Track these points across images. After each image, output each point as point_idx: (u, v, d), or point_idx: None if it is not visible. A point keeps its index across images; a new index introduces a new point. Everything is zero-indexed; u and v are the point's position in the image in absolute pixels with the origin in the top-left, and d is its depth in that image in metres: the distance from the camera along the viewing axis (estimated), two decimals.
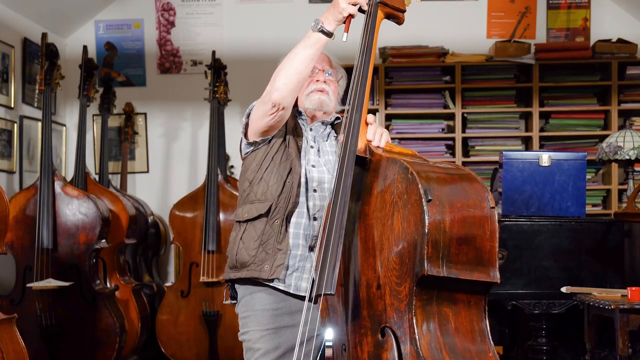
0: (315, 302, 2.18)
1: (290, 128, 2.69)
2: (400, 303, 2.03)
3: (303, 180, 2.61)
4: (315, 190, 2.61)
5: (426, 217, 1.98)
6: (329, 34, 2.41)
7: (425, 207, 1.99)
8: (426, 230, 1.98)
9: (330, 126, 2.78)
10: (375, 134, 2.33)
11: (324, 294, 2.08)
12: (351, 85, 2.36)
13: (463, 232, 2.06)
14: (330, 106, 2.73)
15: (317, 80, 2.71)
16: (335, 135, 2.76)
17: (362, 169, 2.24)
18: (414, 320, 2.00)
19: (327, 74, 2.73)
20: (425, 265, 1.97)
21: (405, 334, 2.01)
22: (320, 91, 2.71)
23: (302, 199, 2.60)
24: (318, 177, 2.64)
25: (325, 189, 2.62)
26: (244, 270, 2.59)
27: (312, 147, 2.69)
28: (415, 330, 1.99)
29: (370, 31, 2.34)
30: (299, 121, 2.75)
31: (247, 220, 2.62)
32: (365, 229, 2.14)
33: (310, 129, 2.73)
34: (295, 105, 2.73)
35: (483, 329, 2.14)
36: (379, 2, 2.35)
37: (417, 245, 1.99)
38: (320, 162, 2.68)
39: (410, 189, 2.03)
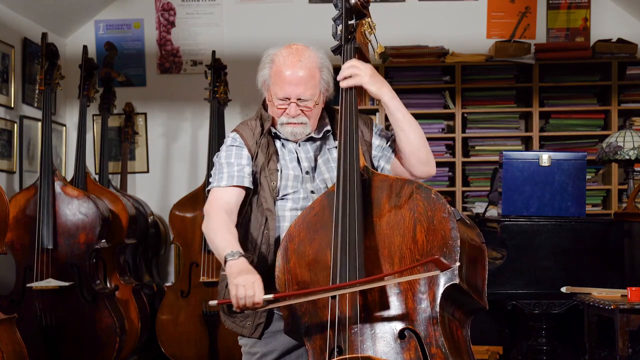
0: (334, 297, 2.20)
1: (263, 162, 2.53)
2: (424, 308, 2.18)
3: (298, 210, 2.51)
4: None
5: (458, 234, 2.18)
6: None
7: (455, 225, 2.19)
8: (459, 245, 2.17)
9: (325, 138, 2.60)
10: None
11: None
12: (340, 129, 2.40)
13: (473, 255, 2.29)
14: (306, 132, 2.53)
15: (287, 114, 2.48)
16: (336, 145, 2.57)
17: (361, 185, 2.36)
18: (439, 325, 2.16)
19: (301, 101, 2.47)
20: (456, 275, 2.16)
21: (430, 336, 2.16)
22: (293, 124, 2.49)
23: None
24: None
25: None
26: (230, 320, 2.59)
27: (307, 173, 2.55)
28: (441, 334, 2.15)
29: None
30: (279, 143, 2.57)
31: None
32: (377, 238, 2.26)
33: (299, 145, 2.57)
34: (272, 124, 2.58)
35: (470, 353, 2.30)
36: (357, 47, 2.45)
37: (446, 257, 2.15)
38: (320, 186, 2.55)
39: (435, 207, 2.22)
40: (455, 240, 2.18)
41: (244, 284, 2.22)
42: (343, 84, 2.39)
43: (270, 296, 2.21)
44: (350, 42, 2.45)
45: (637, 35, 5.72)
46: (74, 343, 4.51)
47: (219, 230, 2.42)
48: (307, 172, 2.56)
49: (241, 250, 2.35)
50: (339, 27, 2.47)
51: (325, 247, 2.30)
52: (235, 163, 2.53)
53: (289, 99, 2.47)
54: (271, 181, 2.51)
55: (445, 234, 2.19)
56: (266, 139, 2.56)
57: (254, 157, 2.54)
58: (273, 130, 2.58)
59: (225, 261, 2.32)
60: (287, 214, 2.53)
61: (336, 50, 2.49)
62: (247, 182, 2.52)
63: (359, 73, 2.40)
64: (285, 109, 2.48)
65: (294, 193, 2.54)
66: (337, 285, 2.18)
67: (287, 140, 2.57)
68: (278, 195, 2.52)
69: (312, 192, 2.55)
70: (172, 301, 5.12)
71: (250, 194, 2.56)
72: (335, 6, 2.48)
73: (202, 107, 5.74)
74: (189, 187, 5.83)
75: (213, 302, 2.30)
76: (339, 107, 2.45)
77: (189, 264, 5.13)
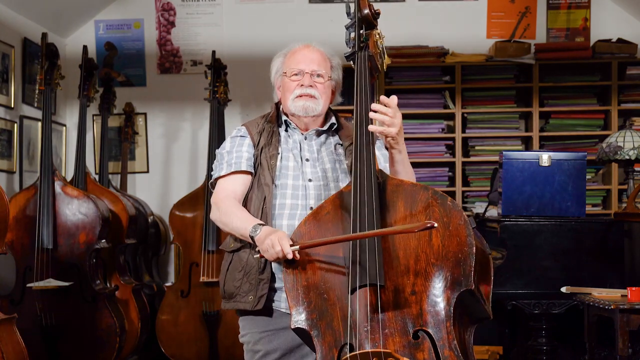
0: (352, 293, 2.24)
1: (264, 144, 2.65)
2: (439, 310, 2.21)
3: (297, 201, 2.58)
4: (312, 208, 2.55)
5: (473, 241, 2.24)
6: (254, 248, 2.48)
7: (471, 232, 2.25)
8: (474, 252, 2.23)
9: (329, 133, 2.72)
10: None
11: (377, 285, 2.21)
12: (355, 130, 2.42)
13: (483, 264, 2.36)
14: (317, 110, 2.65)
15: (301, 85, 2.64)
16: (340, 142, 2.70)
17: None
18: (452, 328, 2.19)
19: (315, 77, 2.65)
20: (471, 280, 2.21)
21: (443, 339, 2.19)
22: (306, 96, 2.63)
23: (290, 221, 2.56)
24: (315, 193, 2.59)
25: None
26: (232, 301, 2.63)
27: (307, 160, 2.65)
28: (454, 337, 2.18)
29: (364, 85, 2.47)
30: (285, 133, 2.69)
31: (232, 251, 2.64)
32: (393, 240, 2.30)
33: (305, 138, 2.69)
34: (279, 113, 2.72)
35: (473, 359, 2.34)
36: (370, 55, 2.49)
37: (461, 262, 2.22)
38: (319, 175, 2.63)
39: (451, 214, 2.27)
40: (471, 247, 2.23)
41: (271, 244, 2.34)
42: (371, 128, 2.38)
43: (296, 247, 2.34)
44: (363, 50, 2.50)
45: (637, 35, 5.72)
46: (74, 343, 4.51)
47: (233, 214, 2.55)
48: (307, 159, 2.65)
49: (259, 222, 2.50)
50: (352, 35, 2.53)
51: (337, 246, 2.33)
52: (234, 151, 2.66)
53: (303, 71, 2.64)
54: (270, 159, 2.62)
55: (461, 240, 2.24)
56: (270, 126, 2.68)
57: (256, 144, 2.66)
58: (284, 117, 2.69)
59: (253, 239, 2.45)
60: (287, 202, 2.60)
61: (349, 57, 2.55)
62: (245, 166, 2.64)
63: (392, 124, 2.39)
64: (300, 80, 2.63)
65: (294, 179, 2.61)
66: (357, 236, 2.25)
67: (295, 128, 2.68)
68: (276, 176, 2.61)
69: (310, 180, 2.61)
70: (172, 301, 5.12)
71: (252, 178, 2.66)
72: (348, 15, 2.55)
73: (202, 107, 5.74)
74: (189, 187, 5.83)
75: (257, 255, 2.46)
76: (353, 108, 2.49)
77: (189, 264, 5.13)
